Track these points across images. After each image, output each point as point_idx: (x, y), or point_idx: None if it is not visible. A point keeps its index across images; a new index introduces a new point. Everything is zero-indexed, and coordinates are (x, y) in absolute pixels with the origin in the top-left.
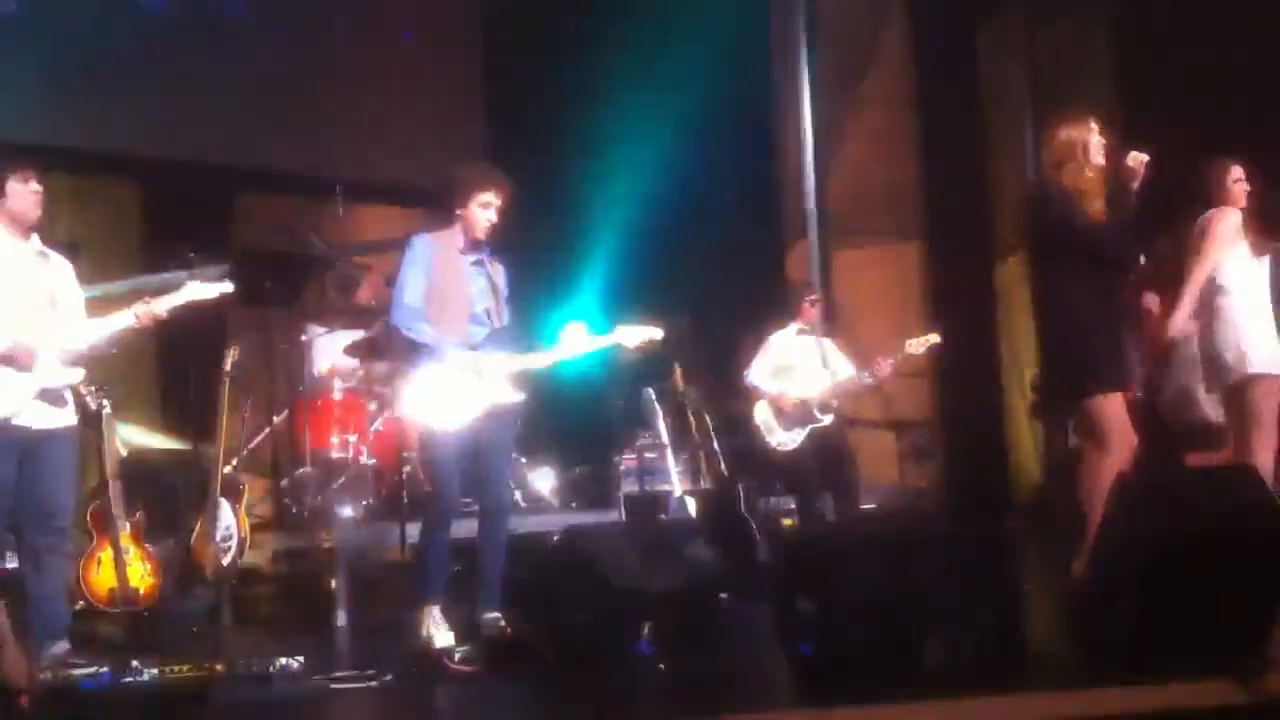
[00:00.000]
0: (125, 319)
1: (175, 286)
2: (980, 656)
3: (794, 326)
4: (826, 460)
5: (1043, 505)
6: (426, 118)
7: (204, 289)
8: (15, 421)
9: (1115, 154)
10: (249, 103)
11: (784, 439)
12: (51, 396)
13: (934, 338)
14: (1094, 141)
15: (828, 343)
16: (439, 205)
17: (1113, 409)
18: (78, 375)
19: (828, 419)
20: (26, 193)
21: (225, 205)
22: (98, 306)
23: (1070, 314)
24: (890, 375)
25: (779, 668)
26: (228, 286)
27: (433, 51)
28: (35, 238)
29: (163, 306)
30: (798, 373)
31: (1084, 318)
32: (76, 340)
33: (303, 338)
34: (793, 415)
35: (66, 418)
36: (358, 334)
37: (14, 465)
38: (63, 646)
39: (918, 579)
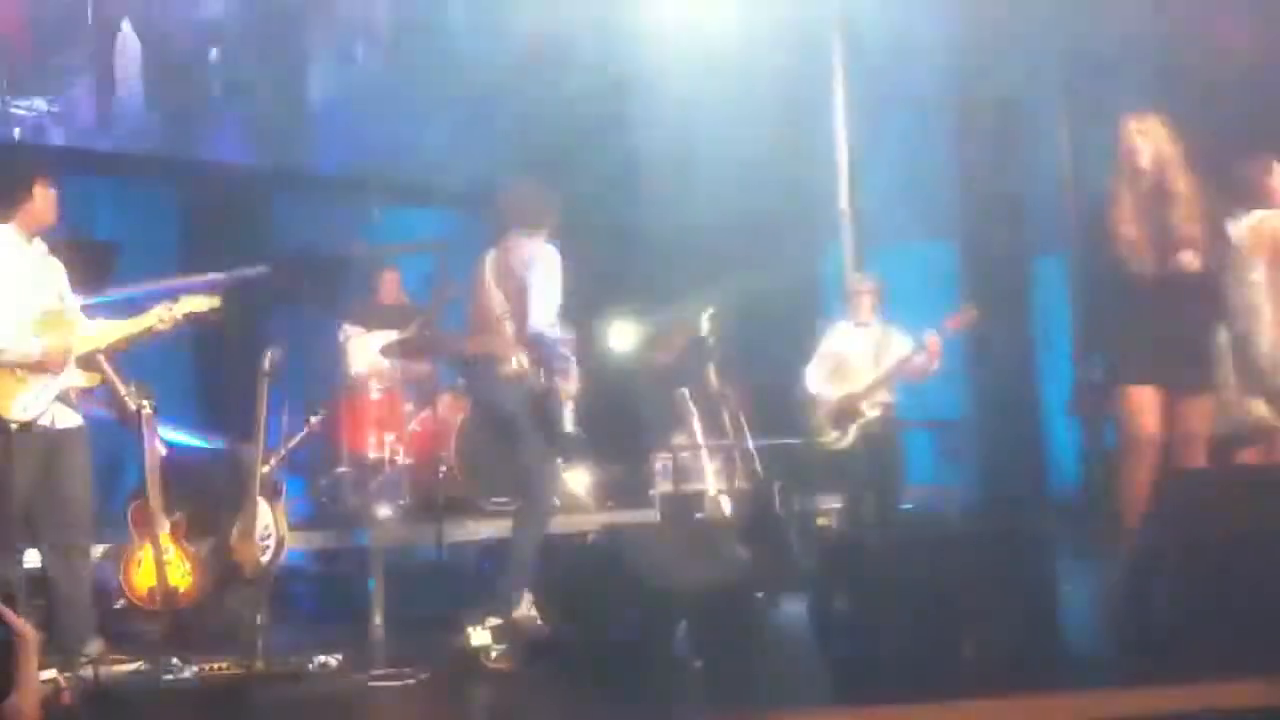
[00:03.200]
0: (148, 321)
1: (213, 287)
2: (1017, 656)
3: (851, 320)
4: (876, 459)
5: (1080, 504)
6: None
7: (198, 302)
8: (41, 422)
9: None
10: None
11: (834, 437)
12: (67, 397)
13: (971, 310)
14: (1164, 141)
15: (893, 332)
16: (520, 217)
17: (1134, 402)
18: (95, 378)
19: (874, 413)
20: (48, 197)
21: (263, 206)
22: (137, 309)
23: (1107, 306)
24: (938, 349)
25: (815, 667)
26: (216, 302)
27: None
28: (38, 240)
29: (181, 310)
30: (849, 368)
31: (1120, 310)
32: (95, 341)
33: (340, 338)
34: (839, 413)
35: (78, 417)
36: (393, 334)
37: (41, 467)
38: (97, 644)
39: (954, 578)
